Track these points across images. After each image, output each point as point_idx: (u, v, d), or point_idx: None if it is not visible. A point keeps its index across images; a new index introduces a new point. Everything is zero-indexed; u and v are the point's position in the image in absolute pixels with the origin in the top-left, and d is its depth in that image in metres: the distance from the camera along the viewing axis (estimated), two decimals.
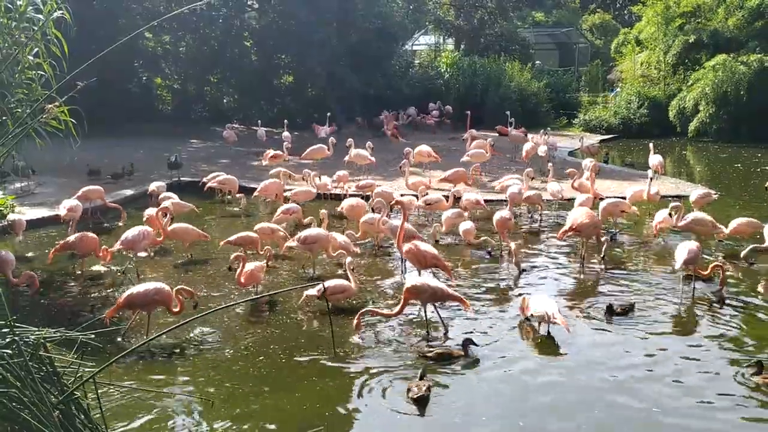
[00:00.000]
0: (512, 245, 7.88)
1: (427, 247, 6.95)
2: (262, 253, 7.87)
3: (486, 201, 10.93)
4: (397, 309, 5.94)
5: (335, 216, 10.47)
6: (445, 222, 9.11)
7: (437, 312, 6.10)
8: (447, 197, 10.02)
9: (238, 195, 11.28)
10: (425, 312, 6.02)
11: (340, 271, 7.90)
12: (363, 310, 5.88)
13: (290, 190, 11.16)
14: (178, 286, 6.08)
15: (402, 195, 10.24)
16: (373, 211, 9.15)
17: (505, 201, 10.65)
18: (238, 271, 6.71)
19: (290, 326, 6.26)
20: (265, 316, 6.50)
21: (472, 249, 8.80)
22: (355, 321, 5.81)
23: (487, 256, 8.36)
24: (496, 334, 5.89)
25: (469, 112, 18.71)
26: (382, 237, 8.91)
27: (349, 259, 6.71)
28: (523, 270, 7.78)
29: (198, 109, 22.25)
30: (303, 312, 6.59)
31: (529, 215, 10.75)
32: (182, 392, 4.98)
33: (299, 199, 10.83)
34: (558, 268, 8.07)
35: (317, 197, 11.10)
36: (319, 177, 11.12)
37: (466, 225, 8.69)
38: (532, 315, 5.93)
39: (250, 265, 6.85)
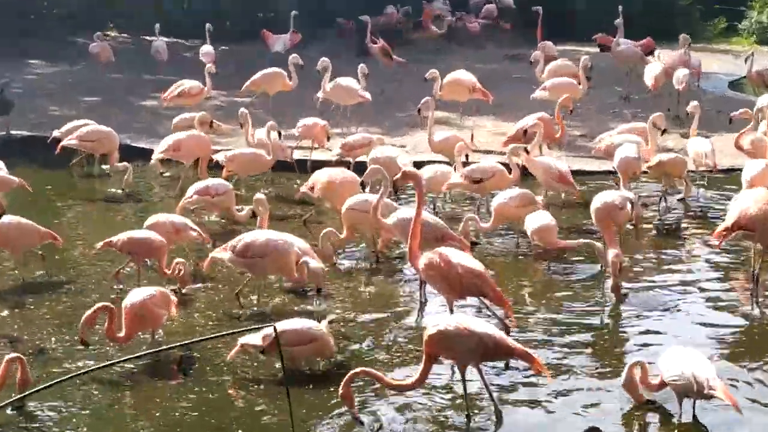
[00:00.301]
0: (610, 254, 7.93)
1: (463, 259, 6.96)
2: (168, 272, 7.95)
3: (576, 173, 10.95)
4: (414, 377, 5.96)
5: (295, 202, 10.48)
6: (496, 210, 9.10)
7: (483, 380, 6.10)
8: (508, 166, 10.08)
9: (118, 164, 11.37)
10: (463, 379, 6.02)
11: (305, 306, 7.89)
12: (356, 370, 5.94)
13: (222, 151, 11.21)
14: (10, 355, 6.16)
15: (416, 165, 10.20)
16: (363, 189, 9.08)
17: (613, 173, 10.72)
18: (107, 325, 6.77)
19: (216, 403, 6.28)
20: (171, 387, 6.54)
21: (550, 261, 8.83)
22: (341, 389, 5.86)
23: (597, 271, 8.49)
24: (601, 423, 5.96)
25: (540, 9, 18.55)
26: (389, 240, 8.96)
27: (325, 322, 6.79)
28: (624, 296, 7.90)
29: (43, 3, 22.17)
30: (238, 377, 6.62)
31: (660, 198, 10.75)
32: None
33: (239, 169, 10.85)
34: (709, 295, 8.13)
35: (275, 166, 11.04)
36: (279, 132, 11.10)
37: (540, 219, 8.70)
38: (660, 385, 5.96)
39: (140, 294, 6.89)
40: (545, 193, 10.26)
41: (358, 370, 5.97)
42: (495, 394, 6.13)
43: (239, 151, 10.91)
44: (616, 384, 6.25)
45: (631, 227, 9.29)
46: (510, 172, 9.83)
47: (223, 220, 10.05)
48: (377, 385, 6.24)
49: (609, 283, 7.97)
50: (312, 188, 9.69)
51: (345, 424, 5.90)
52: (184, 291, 7.94)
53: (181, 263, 7.91)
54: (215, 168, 10.83)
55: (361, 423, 5.86)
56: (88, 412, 6.18)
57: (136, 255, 8.06)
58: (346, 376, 5.87)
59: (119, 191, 11.18)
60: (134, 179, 11.20)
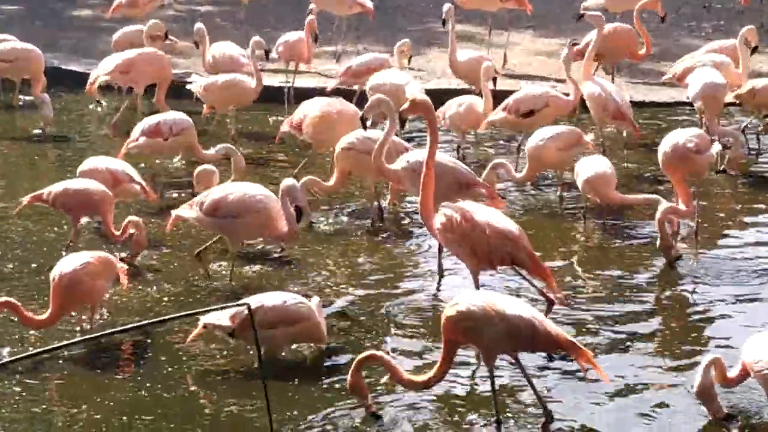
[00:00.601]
0: (661, 208, 7.95)
1: (492, 217, 6.91)
2: (117, 232, 7.98)
3: (640, 105, 10.98)
4: (432, 371, 5.97)
5: (272, 143, 10.52)
6: (533, 155, 9.07)
7: (524, 373, 6.10)
8: (567, 95, 10.04)
9: (39, 94, 11.27)
10: (491, 373, 6.00)
11: (290, 278, 7.94)
12: (365, 354, 6.03)
13: (185, 79, 11.26)
14: None
15: (432, 96, 10.20)
16: (364, 127, 9.06)
17: (687, 105, 10.69)
18: (18, 317, 6.76)
19: (174, 402, 6.30)
20: (116, 382, 6.55)
21: (606, 221, 8.87)
22: (350, 377, 5.94)
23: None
24: None
25: None
26: (398, 191, 8.97)
27: (316, 300, 6.81)
28: (678, 258, 8.01)
29: None
30: (202, 368, 6.66)
31: (743, 129, 10.72)
32: None
33: (217, 101, 10.85)
34: None
35: (263, 97, 11.10)
36: (266, 51, 11.01)
37: (595, 165, 8.65)
38: (741, 375, 5.93)
39: (71, 262, 6.85)
40: (600, 132, 10.21)
41: (367, 353, 6.00)
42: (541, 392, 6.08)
43: (215, 78, 10.86)
44: (686, 383, 6.26)
45: (719, 173, 9.31)
46: (571, 96, 9.83)
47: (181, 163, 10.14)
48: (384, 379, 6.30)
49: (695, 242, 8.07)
50: (298, 126, 9.60)
51: (338, 427, 5.94)
52: (136, 260, 7.98)
53: (135, 222, 7.91)
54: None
55: (378, 418, 5.96)
56: (5, 415, 6.18)
57: (73, 211, 8.05)
58: (354, 362, 5.92)
59: (38, 130, 11.24)
60: (67, 112, 11.19)
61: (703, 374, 5.88)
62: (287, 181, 7.61)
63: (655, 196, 8.54)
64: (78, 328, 7.06)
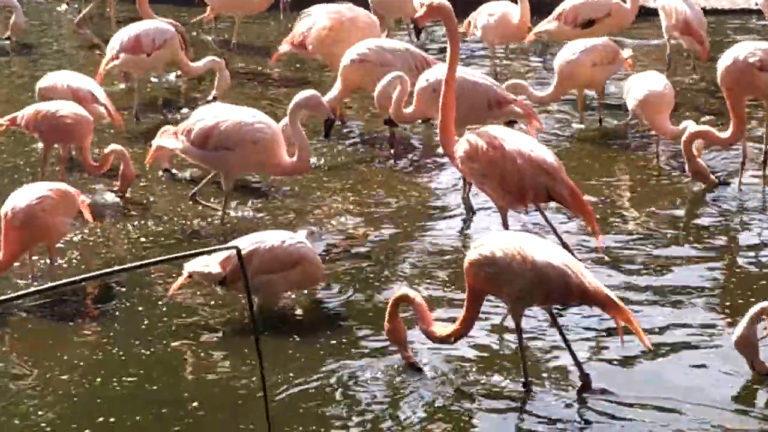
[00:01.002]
0: (689, 129, 7.96)
1: (524, 144, 6.84)
2: (96, 164, 8.00)
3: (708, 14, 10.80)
4: (455, 324, 5.96)
5: (261, 57, 10.50)
6: (563, 71, 9.07)
7: (558, 327, 6.08)
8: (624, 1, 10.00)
9: None
10: (518, 329, 5.96)
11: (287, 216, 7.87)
12: (398, 294, 6.10)
13: None
14: None
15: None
16: (391, 126, 8.98)
17: (757, 12, 10.62)
18: None
19: (152, 362, 6.29)
20: (84, 340, 6.56)
21: (659, 152, 8.86)
22: (387, 323, 6.03)
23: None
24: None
25: None
26: (426, 115, 8.82)
27: (303, 232, 6.83)
28: (722, 184, 8.11)
29: None
30: (186, 323, 6.65)
31: None
32: None
33: (221, 5, 11.05)
34: None
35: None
36: None
37: (648, 83, 8.61)
38: None
39: (25, 195, 6.81)
40: (667, 44, 10.18)
41: (401, 293, 6.02)
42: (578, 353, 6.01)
43: None
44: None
45: None
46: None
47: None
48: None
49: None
50: (301, 43, 9.60)
51: (341, 390, 5.91)
52: (123, 194, 8.02)
53: (119, 152, 7.90)
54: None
55: (419, 370, 6.04)
56: None
57: (44, 135, 8.04)
58: (390, 304, 5.99)
59: (5, 40, 11.33)
60: (27, 21, 11.26)
61: (748, 323, 5.86)
62: (305, 93, 7.47)
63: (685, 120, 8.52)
64: (29, 277, 7.02)
